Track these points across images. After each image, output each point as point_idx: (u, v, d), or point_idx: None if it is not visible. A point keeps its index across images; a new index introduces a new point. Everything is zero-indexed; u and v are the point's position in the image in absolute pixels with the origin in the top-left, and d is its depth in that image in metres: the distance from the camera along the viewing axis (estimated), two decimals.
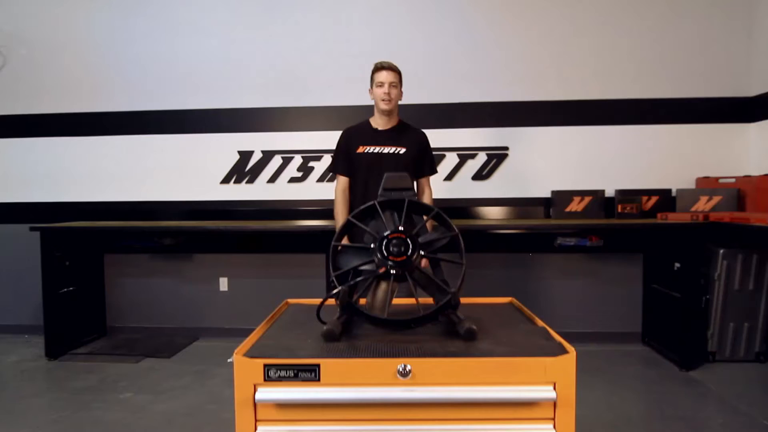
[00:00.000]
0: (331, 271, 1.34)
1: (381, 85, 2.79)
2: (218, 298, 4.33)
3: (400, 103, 2.90)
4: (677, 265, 3.61)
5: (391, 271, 1.29)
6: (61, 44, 4.33)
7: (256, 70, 4.24)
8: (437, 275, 1.44)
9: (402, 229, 1.32)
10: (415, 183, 2.91)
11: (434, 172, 3.03)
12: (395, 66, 2.84)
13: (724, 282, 3.56)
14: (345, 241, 2.41)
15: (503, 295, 4.34)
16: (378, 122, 2.90)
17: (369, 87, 2.87)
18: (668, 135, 4.04)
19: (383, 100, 2.80)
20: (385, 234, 1.32)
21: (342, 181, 2.94)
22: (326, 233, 3.65)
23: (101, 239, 4.29)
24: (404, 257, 1.29)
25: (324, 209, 4.13)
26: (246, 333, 4.66)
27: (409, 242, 1.30)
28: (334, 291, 1.30)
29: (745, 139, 3.99)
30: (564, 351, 1.15)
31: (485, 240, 3.97)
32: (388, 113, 2.84)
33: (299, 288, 4.18)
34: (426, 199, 2.95)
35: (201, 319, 4.34)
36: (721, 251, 3.54)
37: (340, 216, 2.91)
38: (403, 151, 2.84)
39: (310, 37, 4.20)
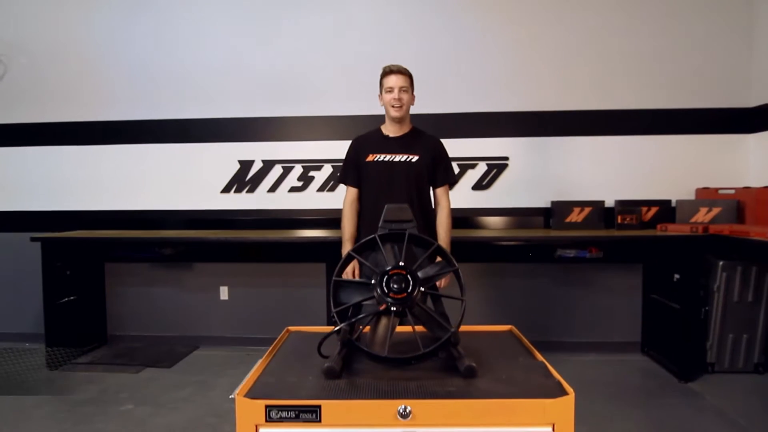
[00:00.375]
0: (332, 306, 1.34)
1: (390, 90, 2.63)
2: (218, 307, 4.35)
3: None
4: (677, 276, 3.62)
5: (392, 308, 1.29)
6: (61, 53, 4.34)
7: (256, 80, 4.24)
8: (437, 308, 1.45)
9: (402, 264, 1.33)
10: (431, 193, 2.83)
11: (450, 181, 2.81)
12: (405, 69, 2.67)
13: (723, 293, 3.57)
14: (351, 269, 2.35)
15: (503, 305, 4.36)
16: (389, 129, 2.75)
17: (378, 93, 2.73)
18: (668, 145, 4.04)
19: (394, 107, 2.63)
20: (386, 269, 1.32)
21: (351, 192, 2.80)
22: (326, 244, 3.67)
23: (102, 248, 4.29)
24: (404, 294, 1.29)
25: (324, 218, 4.14)
26: (246, 342, 4.68)
27: (410, 278, 1.31)
28: (335, 329, 1.31)
29: (744, 149, 4.00)
30: (563, 392, 1.16)
31: (485, 250, 3.98)
32: (399, 120, 2.69)
33: (299, 297, 4.24)
34: (442, 212, 2.75)
35: (201, 328, 4.35)
36: (721, 263, 3.55)
37: (347, 228, 2.77)
38: (415, 158, 2.68)
39: (311, 46, 4.20)
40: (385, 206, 1.48)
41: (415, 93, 2.73)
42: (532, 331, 3.97)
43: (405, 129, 2.74)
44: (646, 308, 4.04)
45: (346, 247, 2.71)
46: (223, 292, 4.34)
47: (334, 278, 1.37)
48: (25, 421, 3.03)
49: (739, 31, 3.99)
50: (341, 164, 2.88)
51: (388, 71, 2.65)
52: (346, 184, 2.82)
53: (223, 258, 4.27)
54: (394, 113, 2.64)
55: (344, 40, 4.18)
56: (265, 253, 4.20)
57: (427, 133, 2.80)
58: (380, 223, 1.46)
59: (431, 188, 2.79)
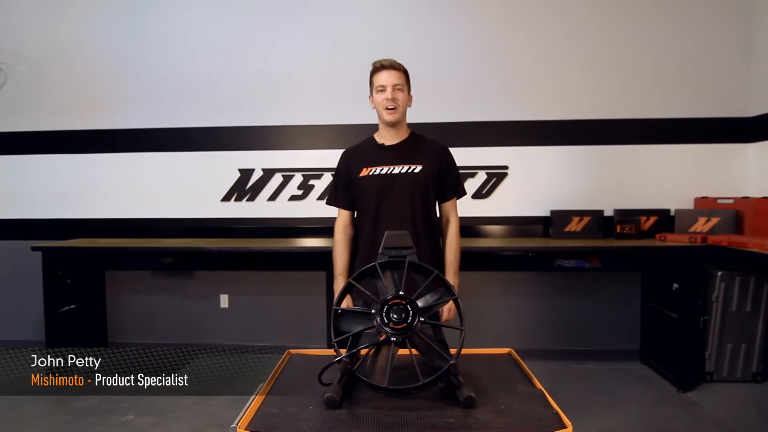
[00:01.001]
0: (332, 335, 1.35)
1: (383, 89, 2.22)
2: (219, 315, 4.36)
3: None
4: (675, 285, 3.63)
5: (392, 339, 1.31)
6: (62, 62, 4.34)
7: (256, 88, 4.25)
8: (437, 335, 1.47)
9: (402, 293, 1.34)
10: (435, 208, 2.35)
11: (460, 192, 2.35)
12: (399, 64, 2.27)
13: (721, 303, 3.58)
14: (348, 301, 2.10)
15: (502, 315, 4.37)
16: (384, 137, 2.31)
17: (369, 93, 2.32)
18: (667, 155, 4.05)
19: (387, 109, 2.21)
20: (386, 299, 1.33)
21: (343, 216, 2.34)
22: (326, 253, 3.66)
23: (102, 257, 4.31)
24: (404, 324, 1.31)
25: (324, 227, 4.15)
26: (246, 350, 4.64)
27: (409, 308, 1.32)
28: (336, 359, 1.32)
29: (743, 159, 4.00)
30: (561, 424, 1.17)
31: (485, 259, 3.99)
32: (394, 124, 2.26)
33: (299, 306, 4.25)
34: (451, 231, 2.31)
35: (202, 336, 4.37)
36: (719, 273, 3.56)
37: (339, 260, 2.30)
38: (418, 169, 2.23)
39: (311, 54, 4.21)
40: (385, 233, 1.49)
41: (412, 93, 2.33)
42: (531, 340, 4.05)
43: (402, 135, 2.31)
44: (645, 317, 4.05)
45: (339, 282, 2.30)
46: (224, 300, 4.36)
47: (334, 307, 1.39)
48: (27, 430, 3.04)
49: (739, 41, 3.99)
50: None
51: (378, 67, 2.26)
52: (336, 207, 2.38)
53: (223, 266, 4.29)
54: (387, 116, 2.23)
55: (344, 48, 4.18)
56: (266, 261, 4.21)
57: (429, 138, 2.38)
58: (380, 250, 1.47)
59: (439, 203, 2.36)
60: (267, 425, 1.20)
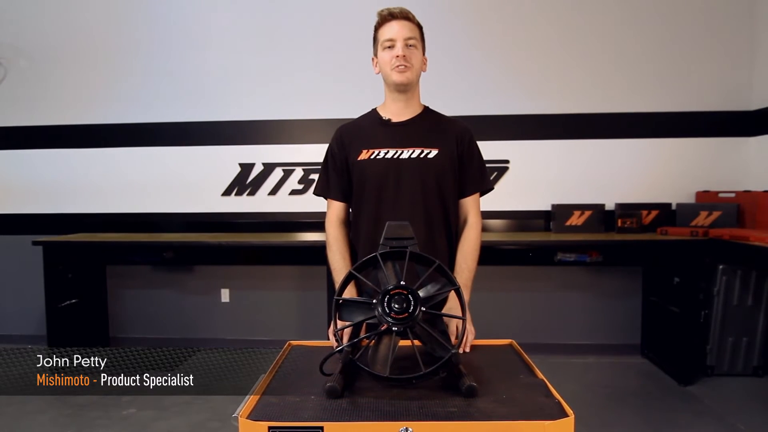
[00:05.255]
0: (334, 325, 1.35)
1: (391, 44, 1.76)
2: (220, 310, 4.37)
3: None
4: (676, 279, 3.63)
5: (393, 328, 1.30)
6: (61, 56, 4.34)
7: (256, 81, 4.24)
8: (438, 325, 1.46)
9: (404, 283, 1.33)
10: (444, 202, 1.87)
11: (485, 186, 1.91)
12: (411, 14, 1.79)
13: (723, 297, 3.58)
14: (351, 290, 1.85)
15: (503, 309, 4.37)
16: (390, 109, 1.85)
17: (372, 54, 1.90)
18: (668, 148, 4.05)
19: (396, 69, 1.75)
20: (387, 289, 1.33)
21: (336, 209, 1.88)
22: (325, 248, 3.67)
23: (103, 252, 4.31)
24: (406, 314, 1.30)
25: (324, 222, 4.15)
26: (247, 344, 4.65)
27: (411, 298, 1.32)
28: (337, 348, 1.32)
29: (745, 153, 4.00)
30: (563, 413, 1.17)
31: (485, 253, 3.98)
32: (404, 90, 1.80)
33: (300, 300, 4.25)
34: (469, 235, 1.95)
35: (202, 330, 4.38)
36: (721, 267, 3.56)
37: (336, 263, 1.91)
38: (433, 153, 1.79)
39: (311, 47, 4.20)
40: (387, 223, 1.48)
41: (426, 56, 1.86)
42: (531, 334, 4.05)
43: (414, 109, 1.86)
44: (646, 311, 4.06)
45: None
46: (224, 295, 4.36)
47: (335, 297, 1.38)
48: (28, 426, 3.05)
49: (741, 34, 3.98)
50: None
51: (386, 16, 1.79)
52: (326, 198, 1.90)
53: (224, 261, 4.30)
54: (396, 76, 1.76)
55: (343, 41, 4.17)
56: (266, 255, 4.22)
57: (448, 116, 1.91)
58: (381, 241, 1.46)
59: (458, 198, 1.89)
60: (268, 415, 1.19)
